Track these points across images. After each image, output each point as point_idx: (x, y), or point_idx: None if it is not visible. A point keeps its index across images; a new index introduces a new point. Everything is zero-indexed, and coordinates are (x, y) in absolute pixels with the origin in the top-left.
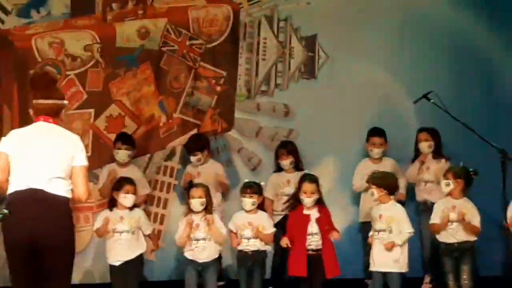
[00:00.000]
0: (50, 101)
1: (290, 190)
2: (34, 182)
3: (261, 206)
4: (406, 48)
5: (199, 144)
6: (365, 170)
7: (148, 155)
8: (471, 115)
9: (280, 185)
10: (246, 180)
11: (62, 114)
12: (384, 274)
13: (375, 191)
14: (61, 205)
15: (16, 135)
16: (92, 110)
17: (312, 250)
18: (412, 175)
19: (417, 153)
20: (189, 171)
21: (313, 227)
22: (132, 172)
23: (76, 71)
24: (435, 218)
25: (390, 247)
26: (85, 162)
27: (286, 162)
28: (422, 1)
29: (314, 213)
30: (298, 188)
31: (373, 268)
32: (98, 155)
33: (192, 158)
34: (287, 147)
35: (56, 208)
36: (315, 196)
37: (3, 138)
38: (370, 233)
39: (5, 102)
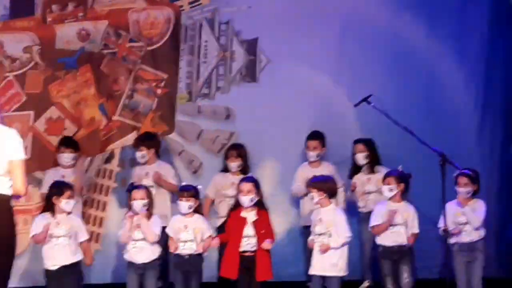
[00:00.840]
0: None
1: (233, 192)
2: None
3: (198, 209)
4: (346, 51)
5: (146, 140)
6: (304, 174)
7: (89, 158)
8: (411, 118)
9: (224, 186)
10: (183, 184)
11: None
12: (324, 277)
13: (315, 195)
14: (4, 203)
15: None
16: (31, 112)
17: (248, 251)
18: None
19: (354, 164)
20: (137, 171)
21: (249, 230)
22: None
23: (15, 73)
24: (376, 220)
25: (324, 249)
26: (23, 156)
27: (234, 164)
28: (361, 5)
29: (251, 216)
30: (237, 189)
31: (312, 271)
32: (38, 158)
33: (137, 154)
34: (237, 149)
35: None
36: (251, 196)
37: None
38: (310, 237)
39: None
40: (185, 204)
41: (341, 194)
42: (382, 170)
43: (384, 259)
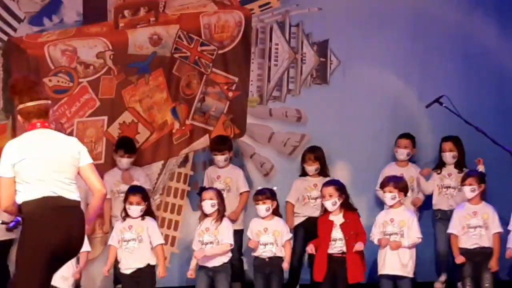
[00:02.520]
0: (39, 102)
1: (317, 193)
2: (51, 190)
3: (276, 211)
4: (417, 52)
5: (227, 143)
6: (391, 173)
7: (162, 161)
8: (482, 118)
9: (307, 189)
10: (259, 187)
11: (49, 115)
12: (394, 278)
13: (397, 195)
14: (79, 209)
15: (17, 147)
16: (105, 117)
17: (336, 254)
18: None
19: (440, 161)
20: (209, 175)
21: (337, 233)
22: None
23: (89, 79)
24: (455, 227)
25: (396, 246)
26: (90, 160)
27: (311, 168)
28: (432, 5)
29: (338, 219)
30: (321, 194)
31: (382, 271)
32: (112, 163)
33: (218, 157)
34: (314, 153)
35: (77, 212)
36: (334, 199)
37: (4, 153)
38: (379, 237)
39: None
40: (262, 207)
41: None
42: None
43: (466, 261)
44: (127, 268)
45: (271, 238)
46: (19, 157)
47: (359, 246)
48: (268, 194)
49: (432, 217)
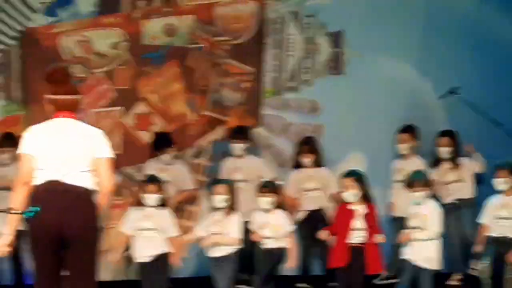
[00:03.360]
0: (73, 97)
1: (313, 185)
2: (55, 175)
3: (280, 205)
4: (432, 42)
5: (245, 133)
6: (397, 167)
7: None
8: (499, 110)
9: (301, 181)
10: (264, 180)
11: (79, 109)
12: (416, 268)
13: (423, 192)
14: (83, 196)
15: (36, 132)
16: (121, 108)
17: (355, 243)
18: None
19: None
20: (227, 165)
21: (358, 223)
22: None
23: (104, 69)
24: (486, 216)
25: (414, 238)
26: (109, 154)
27: (307, 160)
28: None
29: (361, 209)
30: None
31: (405, 256)
32: (127, 153)
33: (235, 146)
34: (309, 144)
35: (80, 198)
36: (354, 190)
37: (24, 136)
38: (405, 231)
39: (32, 100)
40: (265, 200)
41: None
42: (465, 161)
43: (493, 248)
44: (143, 256)
45: (272, 231)
46: (33, 142)
47: (381, 238)
48: (272, 187)
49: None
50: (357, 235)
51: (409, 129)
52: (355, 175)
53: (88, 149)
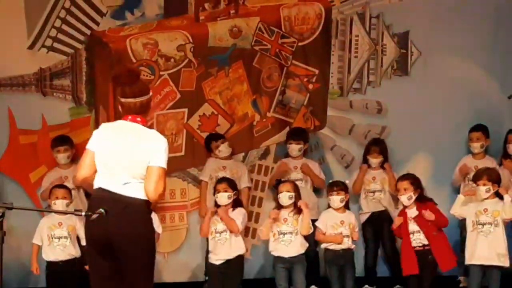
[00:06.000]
0: (140, 99)
1: (376, 187)
2: (111, 183)
3: (347, 204)
4: (499, 43)
5: (303, 133)
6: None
7: (243, 154)
8: None
9: (366, 182)
10: (331, 180)
11: (150, 108)
12: (484, 269)
13: (491, 187)
14: (136, 207)
15: (103, 131)
16: (185, 110)
17: (417, 247)
18: None
19: (505, 153)
20: (285, 165)
21: (413, 226)
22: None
23: (170, 71)
24: None
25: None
26: (162, 164)
27: (376, 160)
28: None
29: (412, 212)
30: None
31: (472, 261)
32: (192, 155)
33: (293, 146)
34: (379, 145)
35: (131, 209)
36: (409, 193)
37: (94, 132)
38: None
39: (101, 103)
40: (336, 198)
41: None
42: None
43: None
44: (217, 259)
45: (347, 230)
46: (98, 141)
47: (429, 215)
48: (342, 186)
49: None
50: (415, 238)
51: (481, 128)
52: (410, 178)
53: (143, 157)
